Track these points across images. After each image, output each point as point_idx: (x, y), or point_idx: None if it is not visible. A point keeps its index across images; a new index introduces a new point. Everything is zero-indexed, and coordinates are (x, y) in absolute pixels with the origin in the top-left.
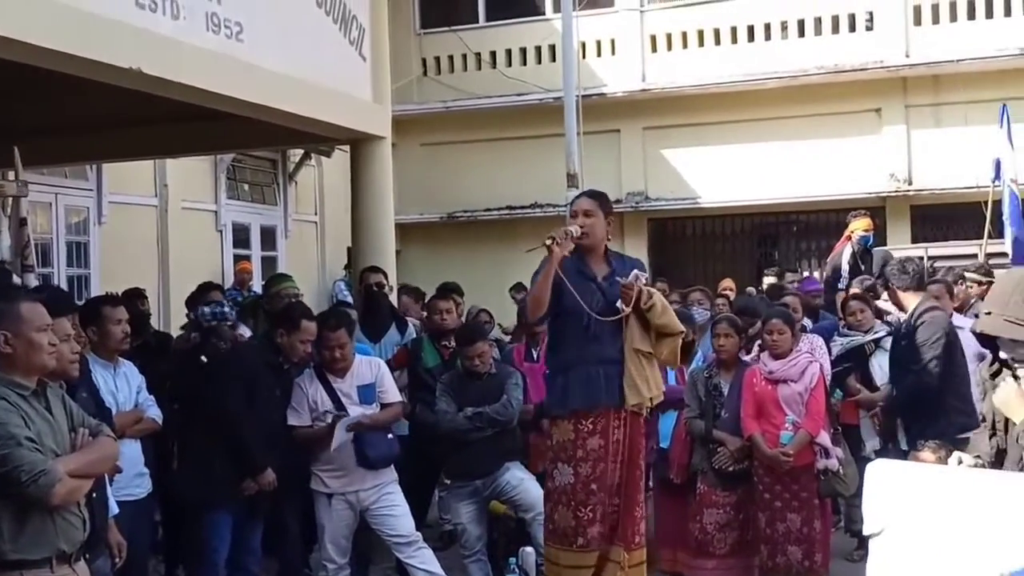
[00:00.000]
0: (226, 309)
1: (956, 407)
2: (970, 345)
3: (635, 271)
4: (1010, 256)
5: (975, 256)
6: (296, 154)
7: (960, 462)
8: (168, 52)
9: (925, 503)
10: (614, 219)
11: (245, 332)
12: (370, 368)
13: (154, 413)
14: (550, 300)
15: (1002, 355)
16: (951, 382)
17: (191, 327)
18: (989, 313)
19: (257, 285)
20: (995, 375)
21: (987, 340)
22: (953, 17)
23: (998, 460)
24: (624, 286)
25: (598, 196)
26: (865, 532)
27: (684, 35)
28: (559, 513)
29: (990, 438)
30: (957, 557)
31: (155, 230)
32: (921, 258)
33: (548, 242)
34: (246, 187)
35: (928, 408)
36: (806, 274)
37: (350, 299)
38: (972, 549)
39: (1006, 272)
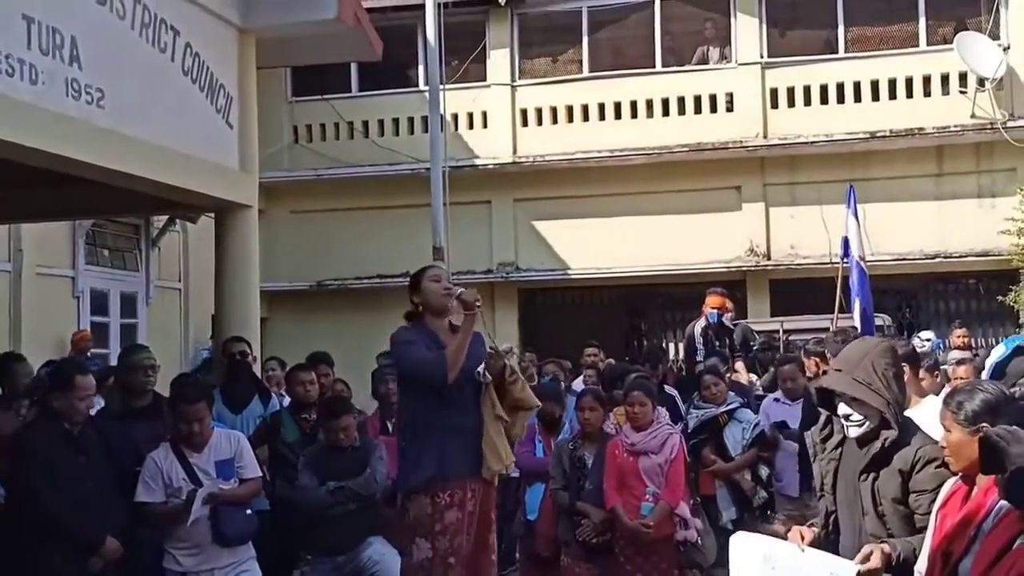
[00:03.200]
0: None
1: None
2: None
3: (507, 344)
4: (859, 328)
5: (827, 330)
6: (160, 219)
7: (802, 538)
8: (25, 117)
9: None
10: None
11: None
12: (229, 442)
13: None
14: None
15: (840, 411)
16: None
17: (30, 400)
18: (839, 371)
19: (115, 354)
20: (825, 439)
21: (825, 397)
22: (807, 101)
23: (827, 521)
24: (497, 352)
25: None
26: None
27: (554, 111)
28: None
29: (819, 500)
30: None
31: (7, 296)
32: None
33: (478, 304)
34: (106, 252)
35: None
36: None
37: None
38: None
39: (859, 340)
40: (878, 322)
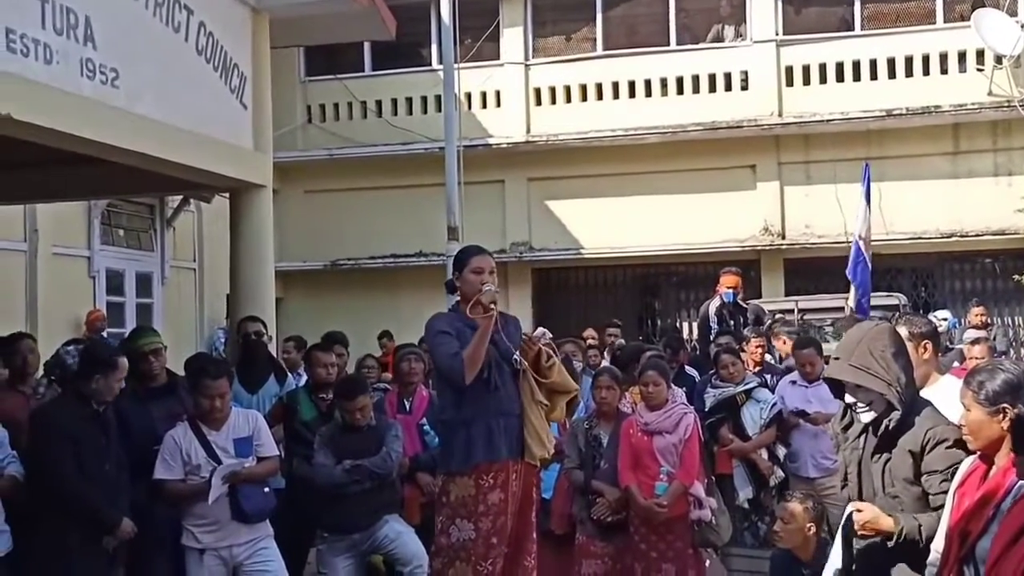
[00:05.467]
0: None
1: None
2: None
3: (541, 328)
4: (855, 310)
5: (842, 309)
6: (174, 199)
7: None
8: (40, 97)
9: None
10: None
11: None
12: (247, 421)
13: (14, 469)
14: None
15: (847, 398)
16: None
17: (50, 376)
18: (837, 358)
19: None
20: (846, 428)
21: (834, 385)
22: (823, 79)
23: None
24: (530, 340)
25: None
26: None
27: (568, 89)
28: (456, 568)
29: (842, 489)
30: None
31: (24, 276)
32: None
33: (494, 307)
34: (121, 232)
35: None
36: None
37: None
38: None
39: (857, 326)
40: (893, 301)
